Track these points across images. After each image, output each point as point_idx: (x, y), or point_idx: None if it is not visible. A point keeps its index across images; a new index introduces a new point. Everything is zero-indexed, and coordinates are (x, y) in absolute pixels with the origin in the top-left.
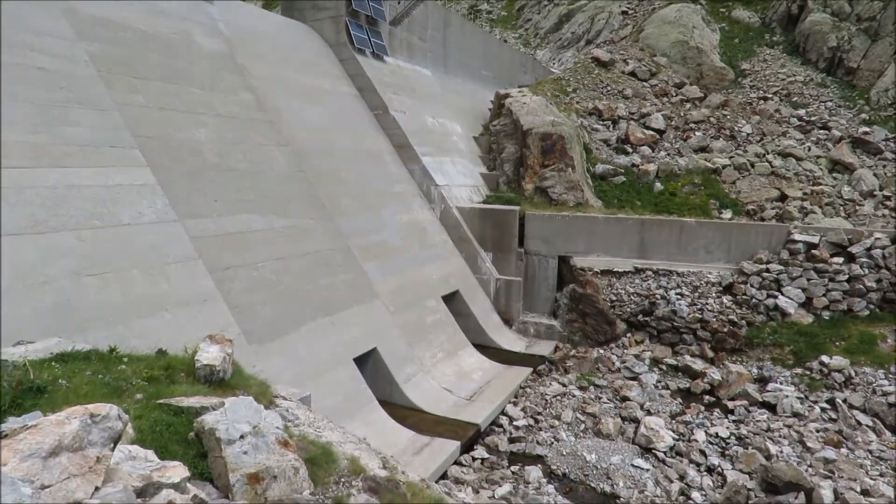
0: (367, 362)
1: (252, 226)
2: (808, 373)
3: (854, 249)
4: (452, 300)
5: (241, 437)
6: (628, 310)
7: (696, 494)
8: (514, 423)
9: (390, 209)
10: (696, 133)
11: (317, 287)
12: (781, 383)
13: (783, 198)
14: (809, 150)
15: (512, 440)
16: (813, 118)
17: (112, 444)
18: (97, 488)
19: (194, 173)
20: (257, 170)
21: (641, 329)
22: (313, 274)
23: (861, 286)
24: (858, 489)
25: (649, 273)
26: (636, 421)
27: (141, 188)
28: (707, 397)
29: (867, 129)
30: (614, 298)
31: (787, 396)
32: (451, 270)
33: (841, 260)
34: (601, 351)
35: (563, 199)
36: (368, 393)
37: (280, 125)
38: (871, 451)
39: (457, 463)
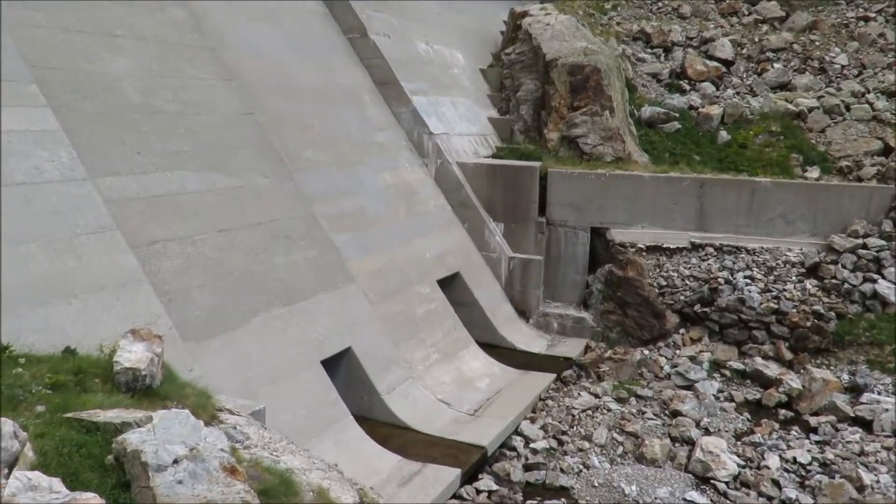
0: (340, 366)
1: (187, 186)
2: None
3: None
4: (451, 285)
5: (175, 461)
6: (682, 298)
7: None
8: (532, 445)
9: (369, 165)
10: (775, 65)
11: (272, 267)
12: (880, 393)
13: (887, 151)
14: None
15: (528, 467)
16: None
17: (6, 471)
18: None
19: (110, 117)
20: (193, 112)
21: (699, 323)
22: (268, 250)
23: None
24: None
25: (710, 250)
26: (690, 442)
27: (39, 136)
28: (783, 412)
29: None
30: (664, 283)
31: (886, 410)
32: (449, 247)
33: None
34: (646, 352)
35: (597, 153)
36: (341, 406)
37: (223, 53)
38: None
39: (457, 496)
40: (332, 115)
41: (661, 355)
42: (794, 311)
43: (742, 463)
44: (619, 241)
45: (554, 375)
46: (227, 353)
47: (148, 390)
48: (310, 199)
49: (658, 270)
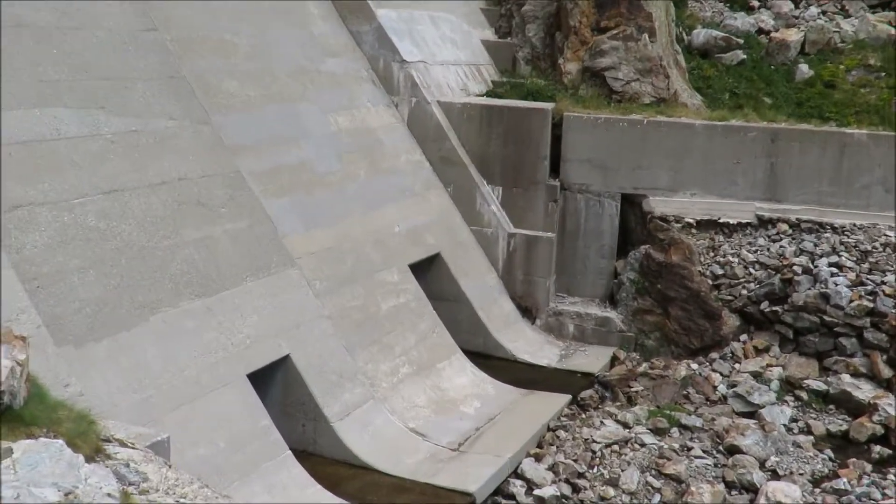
0: (274, 381)
1: (62, 129)
2: None
3: None
4: (429, 272)
5: None
6: (744, 293)
7: None
8: (537, 492)
9: (317, 104)
10: None
11: (181, 244)
12: None
13: None
14: None
15: None
16: None
17: None
18: None
19: None
20: (72, 26)
21: (766, 327)
22: (175, 221)
23: None
24: None
25: (783, 227)
26: (752, 489)
27: None
28: (878, 448)
29: None
30: (720, 272)
31: None
32: (426, 218)
33: None
34: (693, 366)
35: (632, 92)
36: (275, 436)
37: None
38: None
39: None
40: (265, 32)
41: (714, 370)
42: None
43: None
44: (659, 213)
45: (568, 397)
46: (117, 362)
47: (7, 413)
48: (233, 151)
49: (712, 254)
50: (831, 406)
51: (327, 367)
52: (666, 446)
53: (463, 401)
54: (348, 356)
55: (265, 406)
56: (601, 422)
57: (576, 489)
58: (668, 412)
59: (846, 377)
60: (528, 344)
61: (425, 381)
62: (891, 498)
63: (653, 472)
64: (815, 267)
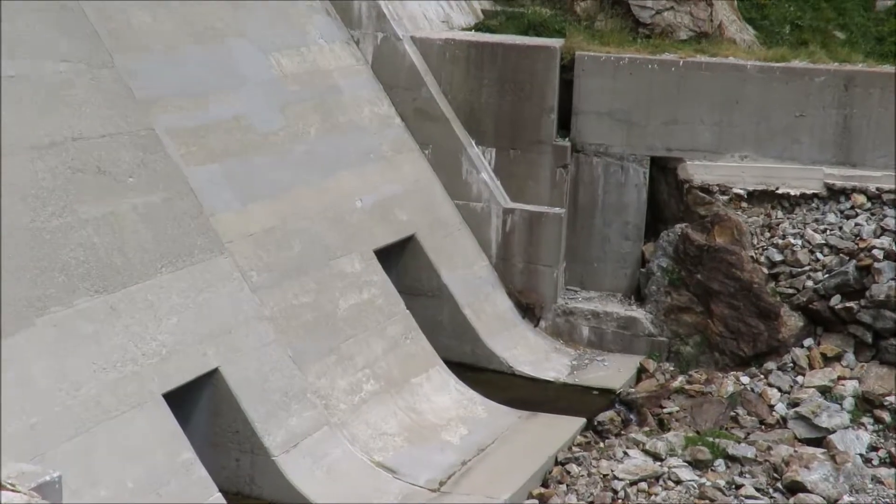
0: (198, 402)
1: None
2: None
3: None
4: (401, 259)
5: None
6: (809, 284)
7: None
8: None
9: (254, 40)
10: None
11: (75, 224)
12: None
13: None
14: None
15: None
16: None
17: None
18: None
19: None
20: None
21: (837, 329)
22: (67, 192)
23: None
24: None
25: (859, 199)
26: None
27: None
28: None
29: None
30: (778, 258)
31: None
32: (397, 189)
33: None
34: (744, 379)
35: (664, 25)
36: (200, 473)
37: None
38: None
39: None
40: None
41: (770, 385)
42: None
43: None
44: (700, 182)
45: (582, 421)
46: None
47: None
48: (145, 103)
49: (768, 235)
50: None
51: (268, 384)
52: (709, 483)
53: (445, 426)
54: (296, 369)
55: (187, 434)
56: (624, 452)
57: None
58: (710, 439)
59: None
60: (529, 352)
61: (396, 400)
62: None
63: None
64: None
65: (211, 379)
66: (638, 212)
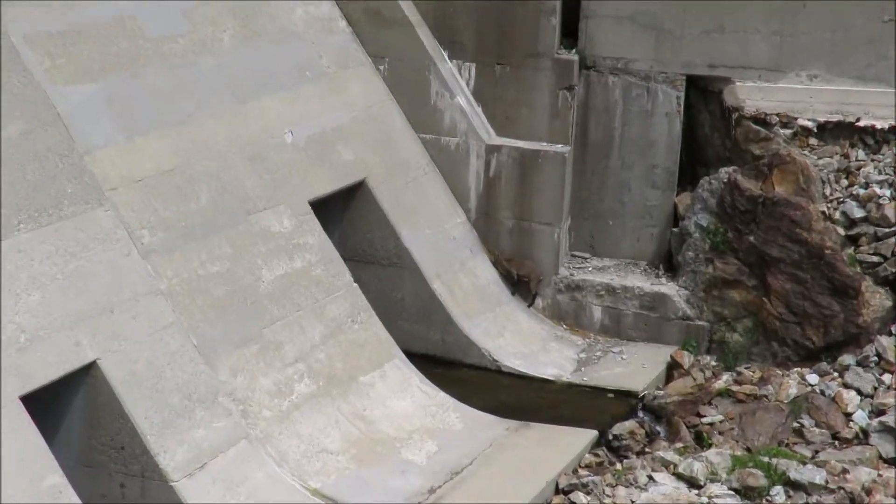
0: (69, 407)
1: None
2: None
3: None
4: (346, 214)
5: None
6: None
7: None
8: None
9: None
10: None
11: None
12: None
13: None
14: None
15: None
16: None
17: None
18: None
19: None
20: None
21: None
22: None
23: None
24: None
25: None
26: None
27: None
28: None
29: None
30: (859, 214)
31: None
32: (342, 118)
33: None
34: (811, 378)
35: None
36: (71, 500)
37: None
38: None
39: None
40: None
41: (846, 385)
42: None
43: None
44: (754, 110)
45: (592, 434)
46: None
47: None
48: None
49: (845, 183)
50: None
51: (164, 384)
52: None
53: (406, 441)
54: (203, 363)
55: (54, 452)
56: (649, 477)
57: None
58: (766, 459)
59: None
60: (521, 341)
61: (340, 405)
62: None
63: None
64: None
65: (86, 376)
66: (669, 151)
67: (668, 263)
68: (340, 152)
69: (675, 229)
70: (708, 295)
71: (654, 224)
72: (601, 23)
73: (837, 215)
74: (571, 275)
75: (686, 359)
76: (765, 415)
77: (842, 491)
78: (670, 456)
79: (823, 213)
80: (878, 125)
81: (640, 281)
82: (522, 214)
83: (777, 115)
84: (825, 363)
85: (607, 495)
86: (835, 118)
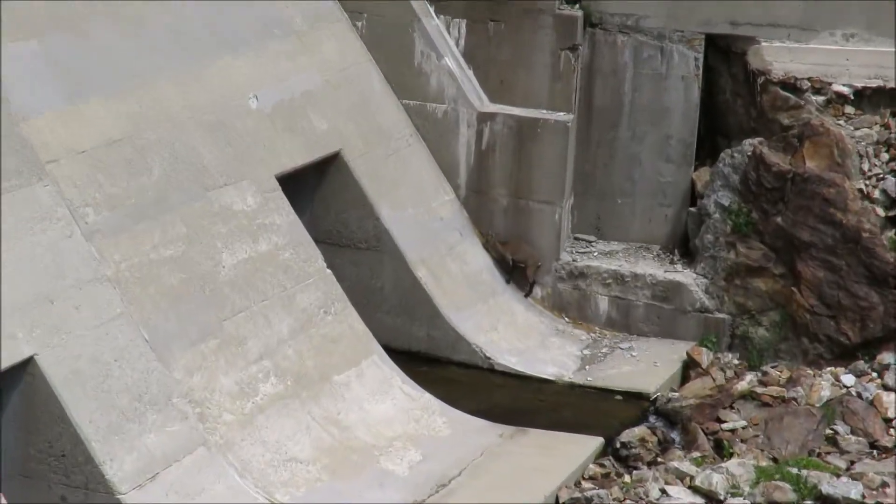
0: (3, 410)
1: None
2: None
3: None
4: (319, 191)
5: None
6: None
7: None
8: None
9: None
10: None
11: None
12: None
13: None
14: None
15: None
16: None
17: None
18: None
19: None
20: None
21: None
22: None
23: None
24: None
25: None
26: None
27: None
28: None
29: None
30: None
31: None
32: (313, 81)
33: None
34: (847, 379)
35: None
36: None
37: None
38: None
39: None
40: None
41: (886, 387)
42: None
43: None
44: (782, 73)
45: (598, 442)
46: None
47: None
48: None
49: (886, 157)
50: None
51: (111, 383)
52: None
53: (386, 449)
54: (155, 360)
55: None
56: (662, 490)
57: None
58: (795, 471)
59: None
60: (517, 335)
61: (310, 408)
62: None
63: None
64: None
65: (22, 374)
66: (686, 120)
67: (685, 248)
68: (312, 120)
69: (692, 209)
70: (729, 284)
71: (669, 203)
72: None
73: (876, 194)
74: (574, 260)
75: (704, 356)
76: (794, 420)
77: None
78: (686, 467)
79: (861, 190)
80: None
81: (652, 268)
82: (519, 191)
83: (808, 79)
84: (862, 362)
85: None
86: (874, 83)
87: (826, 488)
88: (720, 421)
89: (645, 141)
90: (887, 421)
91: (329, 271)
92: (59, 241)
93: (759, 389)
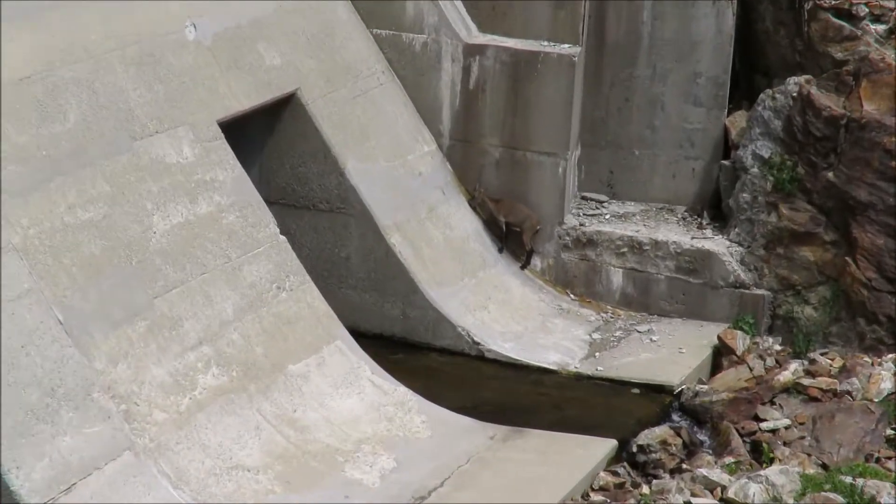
0: None
1: None
2: None
3: None
4: (270, 141)
5: None
6: None
7: None
8: None
9: None
10: None
11: None
12: None
13: None
14: None
15: None
16: None
17: None
18: None
19: None
20: None
21: None
22: None
23: None
24: None
25: None
26: None
27: None
28: None
29: None
30: None
31: None
32: (265, 6)
33: None
34: None
35: None
36: None
37: None
38: None
39: None
40: None
41: None
42: None
43: None
44: None
45: (610, 445)
46: None
47: None
48: None
49: None
50: None
51: (18, 374)
52: None
53: (353, 454)
54: (71, 346)
55: None
56: (688, 503)
57: None
58: (848, 479)
59: None
60: (511, 316)
61: (260, 405)
62: None
63: None
64: None
65: None
66: (718, 54)
67: (716, 209)
68: (262, 54)
69: (725, 162)
70: (770, 253)
71: (697, 155)
72: None
73: None
74: (582, 224)
75: (739, 341)
76: (847, 419)
77: None
78: (717, 475)
79: None
80: None
81: (676, 233)
82: (514, 141)
83: (866, 4)
84: None
85: None
86: None
87: (886, 500)
88: (758, 419)
89: (668, 80)
90: None
91: (283, 238)
92: None
93: (806, 381)
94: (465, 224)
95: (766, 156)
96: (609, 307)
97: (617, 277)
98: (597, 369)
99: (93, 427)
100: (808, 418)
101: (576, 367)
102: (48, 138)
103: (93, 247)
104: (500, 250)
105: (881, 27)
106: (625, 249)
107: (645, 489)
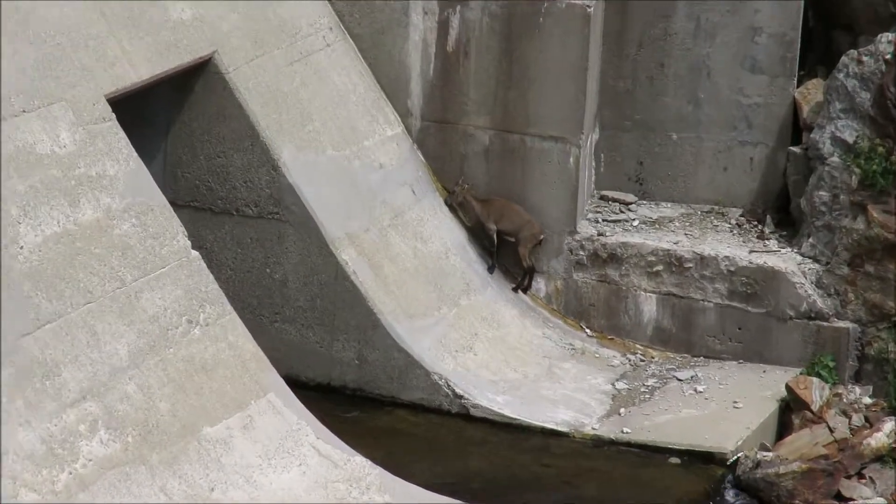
0: None
1: None
2: None
3: None
4: (180, 119)
5: None
6: None
7: None
8: None
9: None
10: None
11: None
12: None
13: None
14: None
15: None
16: None
17: None
18: None
19: None
20: None
21: None
22: None
23: None
24: None
25: None
26: None
27: None
28: None
29: None
30: None
31: None
32: None
33: None
34: None
35: None
36: None
37: None
38: None
39: None
40: None
41: None
42: None
43: None
44: None
45: None
46: None
47: None
48: None
49: None
50: None
51: None
52: None
53: None
54: None
55: None
56: None
57: None
58: None
59: None
60: (506, 360)
61: (166, 482)
62: None
63: None
64: None
65: None
66: (784, 4)
67: (783, 213)
68: (166, 5)
69: (794, 149)
70: (856, 272)
71: (756, 140)
72: None
73: None
74: (601, 234)
75: (816, 392)
76: None
77: None
78: None
79: None
80: None
81: (729, 246)
82: (509, 121)
83: None
84: None
85: None
86: None
87: None
88: (843, 499)
89: (716, 38)
90: None
91: (196, 254)
92: None
93: None
94: (443, 234)
95: (851, 140)
96: (638, 346)
97: (649, 306)
98: (622, 431)
99: None
100: None
101: (594, 429)
102: None
103: None
104: (491, 269)
105: None
106: (659, 268)
107: None
